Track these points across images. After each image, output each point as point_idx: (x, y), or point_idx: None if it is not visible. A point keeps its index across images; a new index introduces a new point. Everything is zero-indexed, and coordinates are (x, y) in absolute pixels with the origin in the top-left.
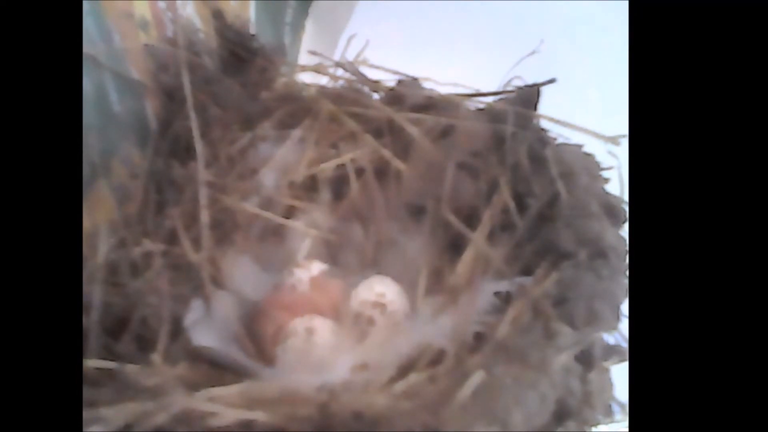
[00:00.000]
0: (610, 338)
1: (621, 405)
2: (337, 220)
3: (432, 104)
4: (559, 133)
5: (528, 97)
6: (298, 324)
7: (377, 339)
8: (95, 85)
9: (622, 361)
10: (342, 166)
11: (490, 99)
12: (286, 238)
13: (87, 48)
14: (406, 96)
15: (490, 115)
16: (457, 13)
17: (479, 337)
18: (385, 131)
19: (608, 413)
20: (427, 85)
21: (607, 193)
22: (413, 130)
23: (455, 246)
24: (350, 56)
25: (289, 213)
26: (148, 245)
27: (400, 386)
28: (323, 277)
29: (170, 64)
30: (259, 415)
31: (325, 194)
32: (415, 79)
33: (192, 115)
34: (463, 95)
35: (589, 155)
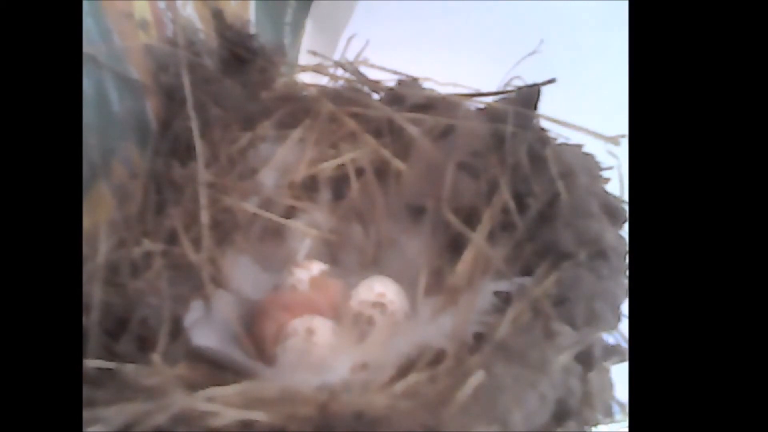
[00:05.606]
0: (610, 338)
1: (621, 405)
2: (337, 220)
3: (432, 104)
4: (559, 133)
5: (528, 97)
6: (298, 324)
7: (377, 339)
8: (95, 85)
9: (622, 361)
10: (342, 166)
11: (490, 99)
12: (286, 238)
13: (87, 48)
14: (406, 96)
15: (490, 115)
16: (457, 14)
17: (479, 337)
18: (385, 131)
19: (608, 413)
20: (427, 85)
21: (607, 193)
22: (413, 130)
23: (455, 246)
24: (350, 56)
25: (289, 213)
26: (148, 245)
27: (400, 386)
28: (323, 277)
29: (170, 64)
30: (259, 415)
31: (325, 194)
32: (415, 79)
33: (192, 115)
34: (463, 95)
35: (589, 155)
